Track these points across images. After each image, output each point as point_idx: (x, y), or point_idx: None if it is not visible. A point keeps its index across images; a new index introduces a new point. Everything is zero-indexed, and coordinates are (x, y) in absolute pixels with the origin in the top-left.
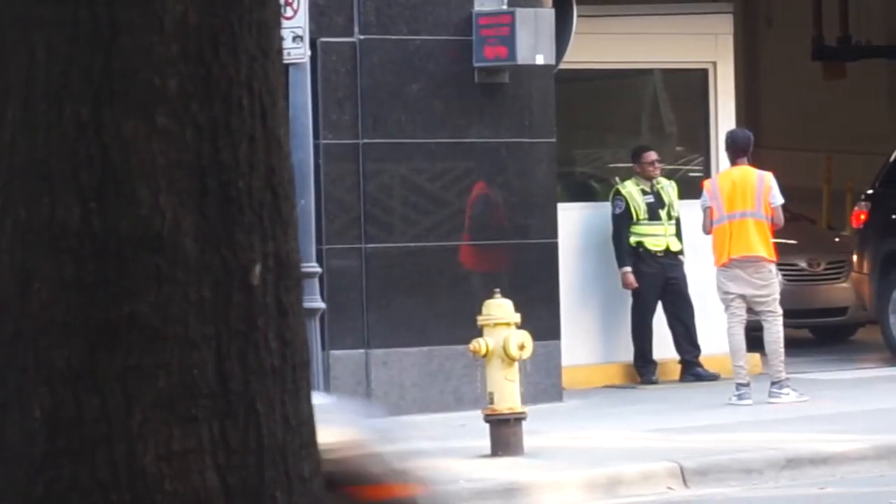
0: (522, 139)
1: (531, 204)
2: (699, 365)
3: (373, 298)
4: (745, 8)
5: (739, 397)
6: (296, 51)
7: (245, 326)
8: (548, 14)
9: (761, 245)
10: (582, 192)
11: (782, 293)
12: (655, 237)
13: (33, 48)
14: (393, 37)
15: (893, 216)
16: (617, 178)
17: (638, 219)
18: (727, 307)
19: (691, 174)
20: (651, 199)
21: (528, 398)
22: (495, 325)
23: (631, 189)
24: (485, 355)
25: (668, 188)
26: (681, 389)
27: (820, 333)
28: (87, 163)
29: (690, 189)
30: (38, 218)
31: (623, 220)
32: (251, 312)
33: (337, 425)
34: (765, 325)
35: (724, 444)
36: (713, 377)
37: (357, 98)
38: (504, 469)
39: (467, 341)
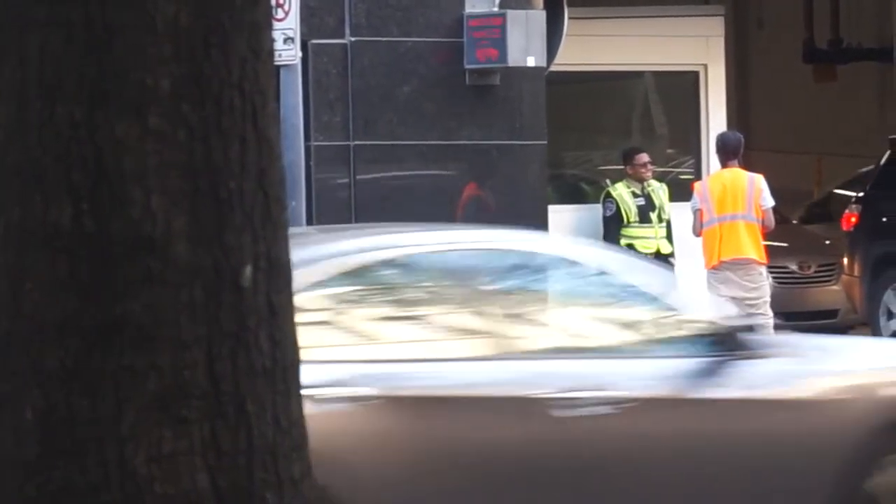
0: (513, 141)
1: (522, 206)
2: None
3: None
4: (737, 10)
5: None
6: (287, 52)
7: (236, 327)
8: (539, 16)
9: (752, 247)
10: (573, 194)
11: (773, 295)
12: (646, 239)
13: (27, 49)
14: (384, 39)
15: (884, 219)
16: (608, 181)
17: (629, 221)
18: None
19: (682, 176)
20: (642, 201)
21: None
22: None
23: (622, 191)
24: None
25: (659, 190)
26: None
27: None
28: (80, 163)
29: (681, 191)
30: (32, 218)
31: (614, 223)
32: (242, 313)
33: None
34: (755, 327)
35: None
36: None
37: (348, 100)
38: None
39: None
